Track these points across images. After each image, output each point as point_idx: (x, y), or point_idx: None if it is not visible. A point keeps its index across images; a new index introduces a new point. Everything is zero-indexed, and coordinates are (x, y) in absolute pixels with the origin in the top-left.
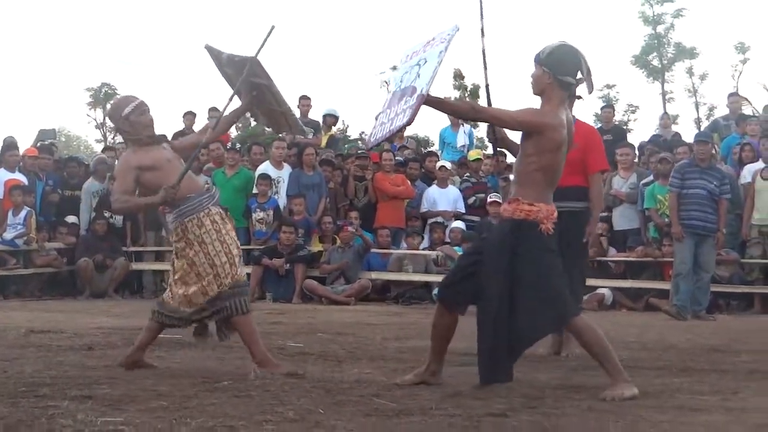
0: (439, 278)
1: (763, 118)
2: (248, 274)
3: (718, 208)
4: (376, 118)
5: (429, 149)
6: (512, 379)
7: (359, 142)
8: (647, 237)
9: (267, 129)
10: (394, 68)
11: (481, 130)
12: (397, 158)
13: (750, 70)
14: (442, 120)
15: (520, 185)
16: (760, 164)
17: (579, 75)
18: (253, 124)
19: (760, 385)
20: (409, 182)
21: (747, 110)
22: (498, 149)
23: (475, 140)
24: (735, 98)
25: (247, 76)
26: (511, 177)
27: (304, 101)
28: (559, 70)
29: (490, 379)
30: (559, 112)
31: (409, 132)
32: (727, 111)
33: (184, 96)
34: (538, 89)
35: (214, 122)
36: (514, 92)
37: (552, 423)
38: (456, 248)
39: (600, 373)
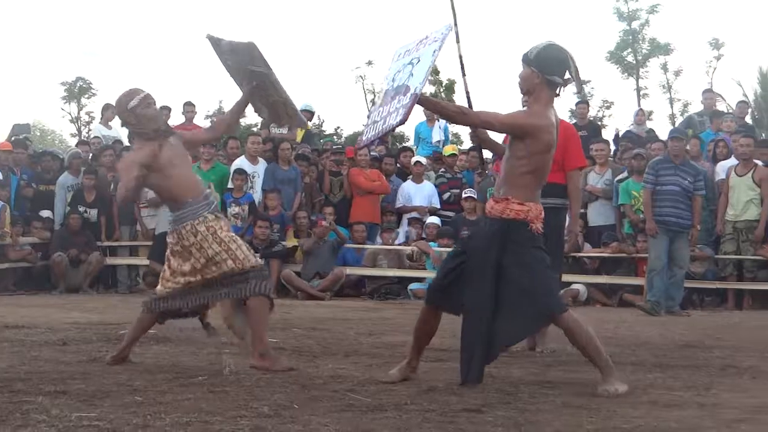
0: (413, 273)
1: (737, 114)
2: None
3: (693, 205)
4: (368, 117)
5: (404, 144)
6: (481, 381)
7: (334, 137)
8: (622, 233)
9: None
10: (370, 63)
11: (456, 125)
12: (372, 153)
13: (724, 67)
14: (418, 115)
15: (510, 185)
16: (734, 160)
17: (567, 75)
18: None
19: (733, 381)
20: (384, 177)
21: (721, 106)
22: (476, 146)
23: (450, 136)
24: (709, 94)
25: (249, 63)
26: (487, 172)
27: None
28: (548, 70)
29: (467, 380)
30: (548, 113)
31: None
32: (701, 107)
33: (162, 90)
34: (526, 89)
35: (223, 116)
36: (492, 91)
37: (527, 418)
38: (431, 243)
39: (575, 369)
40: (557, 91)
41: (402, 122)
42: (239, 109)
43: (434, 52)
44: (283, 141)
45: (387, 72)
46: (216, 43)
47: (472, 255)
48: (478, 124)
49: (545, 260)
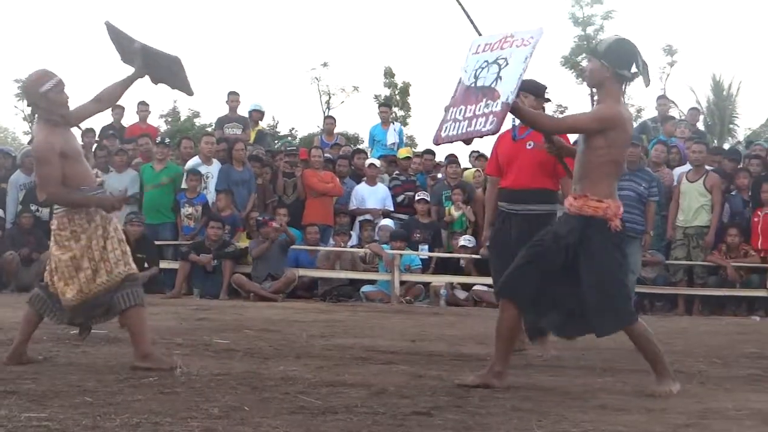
0: (365, 276)
1: (688, 120)
2: (175, 270)
3: (647, 210)
4: (446, 111)
5: (358, 146)
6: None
7: (289, 138)
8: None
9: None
10: (325, 65)
11: (411, 128)
12: (326, 155)
13: (677, 73)
14: (373, 117)
15: (587, 181)
16: (687, 167)
17: (634, 69)
18: (183, 118)
19: (681, 386)
20: (337, 179)
21: (674, 113)
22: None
23: (405, 138)
24: (663, 101)
25: (166, 71)
26: (440, 176)
27: (233, 97)
28: (617, 64)
29: (506, 294)
30: (624, 106)
31: (339, 128)
32: (655, 113)
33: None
34: (595, 82)
35: (113, 88)
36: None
37: (477, 422)
38: (384, 246)
39: (525, 374)
40: (625, 86)
41: (494, 132)
42: (129, 83)
43: (526, 58)
44: (237, 141)
45: (465, 63)
46: (121, 36)
47: (548, 246)
48: (568, 129)
49: (622, 260)
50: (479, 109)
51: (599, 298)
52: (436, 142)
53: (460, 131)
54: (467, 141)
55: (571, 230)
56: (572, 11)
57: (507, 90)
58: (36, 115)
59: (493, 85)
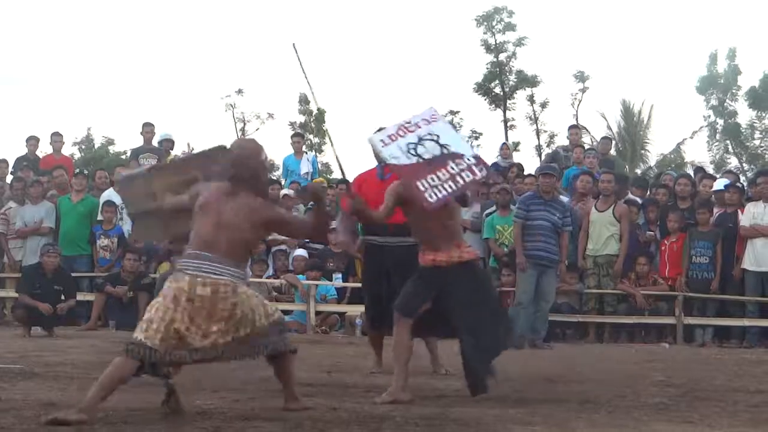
0: (281, 306)
1: (600, 150)
2: (91, 301)
3: (560, 240)
4: (421, 184)
5: (272, 177)
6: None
7: None
8: (488, 266)
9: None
10: (240, 92)
11: (327, 155)
12: None
13: (589, 99)
14: (286, 148)
15: (451, 236)
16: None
17: None
18: (97, 146)
19: (589, 416)
20: None
21: (586, 139)
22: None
23: (318, 168)
24: (575, 130)
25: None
26: None
27: (147, 128)
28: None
29: (483, 390)
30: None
31: None
32: (567, 142)
33: (28, 119)
34: None
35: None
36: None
37: None
38: (299, 276)
39: (437, 404)
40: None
41: (487, 175)
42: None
43: (450, 127)
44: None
45: (385, 155)
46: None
47: (457, 293)
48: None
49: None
50: (453, 169)
51: (494, 320)
52: (430, 208)
53: (451, 189)
54: (460, 195)
55: (470, 277)
56: (485, 38)
57: (464, 148)
58: None
59: (445, 152)
